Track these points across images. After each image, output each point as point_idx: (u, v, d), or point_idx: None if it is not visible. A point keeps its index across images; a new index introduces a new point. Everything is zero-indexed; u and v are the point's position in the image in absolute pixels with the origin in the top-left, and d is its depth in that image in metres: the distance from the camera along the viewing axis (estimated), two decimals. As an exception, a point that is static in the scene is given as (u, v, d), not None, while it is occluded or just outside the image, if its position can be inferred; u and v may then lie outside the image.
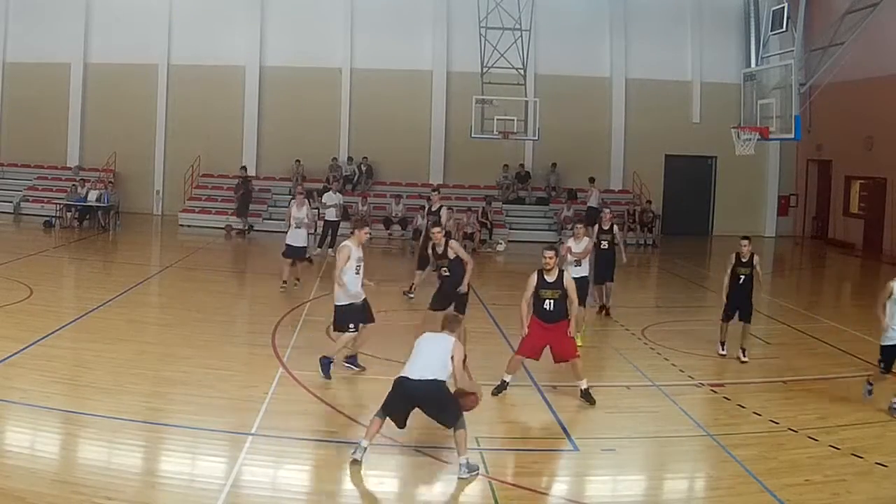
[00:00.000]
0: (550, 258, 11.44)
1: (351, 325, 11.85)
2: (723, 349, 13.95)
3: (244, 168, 30.63)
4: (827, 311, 18.49)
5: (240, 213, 29.69)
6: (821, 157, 32.25)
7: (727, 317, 13.97)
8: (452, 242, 13.22)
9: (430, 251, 13.56)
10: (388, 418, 8.96)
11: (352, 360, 12.20)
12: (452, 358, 9.01)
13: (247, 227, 29.52)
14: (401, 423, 9.01)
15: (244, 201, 29.74)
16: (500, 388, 11.48)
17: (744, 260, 13.85)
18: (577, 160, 32.18)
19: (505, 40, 28.05)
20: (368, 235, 12.31)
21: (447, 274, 13.21)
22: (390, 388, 8.98)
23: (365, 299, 12.15)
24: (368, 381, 11.79)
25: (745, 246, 13.82)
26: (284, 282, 18.21)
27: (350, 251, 11.85)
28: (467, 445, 8.77)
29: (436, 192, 19.26)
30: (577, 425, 10.38)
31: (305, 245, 18.83)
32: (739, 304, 13.83)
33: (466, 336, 12.27)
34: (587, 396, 11.21)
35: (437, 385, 8.84)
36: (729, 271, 13.87)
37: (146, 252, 26.19)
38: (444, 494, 8.73)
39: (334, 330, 12.14)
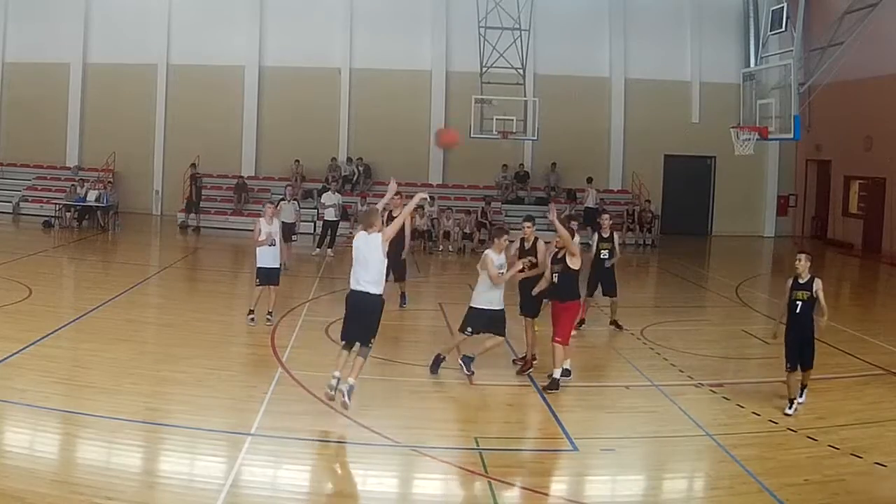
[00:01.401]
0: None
1: (469, 329, 11.96)
2: (790, 408, 10.91)
3: (194, 165, 30.68)
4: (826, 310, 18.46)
5: (188, 208, 29.86)
6: (820, 157, 32.26)
7: (791, 365, 10.98)
8: (541, 244, 12.28)
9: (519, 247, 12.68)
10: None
11: (467, 360, 12.05)
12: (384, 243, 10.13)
13: (194, 224, 29.70)
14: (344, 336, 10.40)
15: (196, 196, 30.05)
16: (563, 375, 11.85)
17: (801, 281, 10.95)
18: (576, 160, 32.18)
19: (504, 40, 28.07)
20: (507, 242, 12.22)
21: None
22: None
23: (502, 311, 12.07)
24: (368, 382, 11.76)
25: (799, 262, 10.99)
26: (251, 311, 15.11)
27: (492, 259, 11.90)
28: (359, 374, 10.14)
29: (397, 196, 15.81)
30: (577, 425, 10.37)
31: (279, 266, 15.46)
32: (800, 343, 10.96)
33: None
34: (552, 385, 11.56)
35: (375, 300, 10.20)
36: (787, 299, 11.09)
37: (145, 252, 26.18)
38: (443, 494, 8.74)
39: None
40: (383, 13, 32.48)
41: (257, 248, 15.10)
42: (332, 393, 10.10)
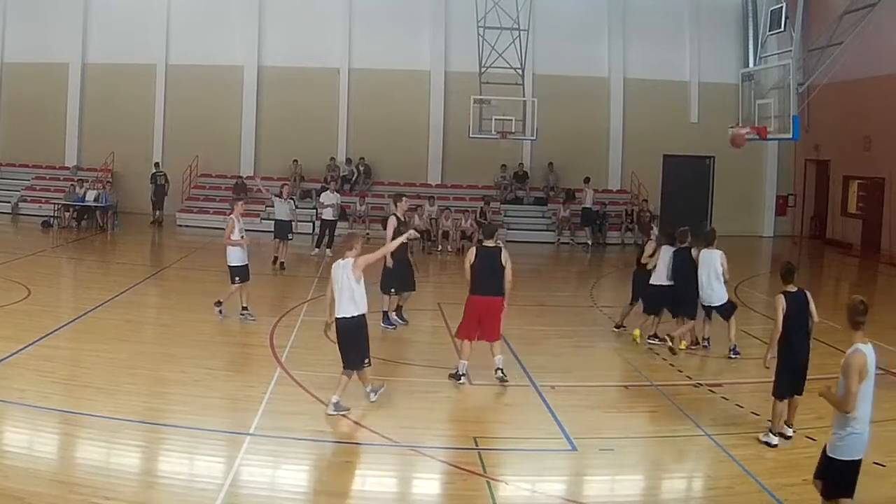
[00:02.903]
0: None
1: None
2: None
3: (157, 164, 31.18)
4: (824, 311, 18.31)
5: (154, 205, 30.57)
6: (819, 157, 32.26)
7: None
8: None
9: None
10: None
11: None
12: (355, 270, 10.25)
13: (157, 219, 30.26)
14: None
15: (157, 194, 30.62)
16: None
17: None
18: (575, 160, 32.17)
19: (503, 40, 28.05)
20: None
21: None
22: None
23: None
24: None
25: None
26: (245, 308, 15.29)
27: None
28: (370, 381, 10.65)
29: (404, 198, 15.67)
30: (575, 425, 10.36)
31: (248, 263, 15.55)
32: None
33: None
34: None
35: (354, 321, 10.29)
36: None
37: (144, 252, 26.16)
38: (442, 494, 8.74)
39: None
40: (382, 13, 32.49)
41: (230, 247, 15.17)
42: (332, 413, 10.26)
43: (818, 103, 26.33)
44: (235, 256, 15.24)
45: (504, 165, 32.35)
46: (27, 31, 32.48)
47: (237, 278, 15.19)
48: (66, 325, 14.24)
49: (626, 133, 33.02)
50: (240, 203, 15.94)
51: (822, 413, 10.83)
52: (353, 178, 31.76)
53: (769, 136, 23.18)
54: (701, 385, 12.26)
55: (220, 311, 15.17)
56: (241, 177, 31.53)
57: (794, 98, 21.80)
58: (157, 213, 30.37)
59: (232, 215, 15.47)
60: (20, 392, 10.34)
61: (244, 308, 15.22)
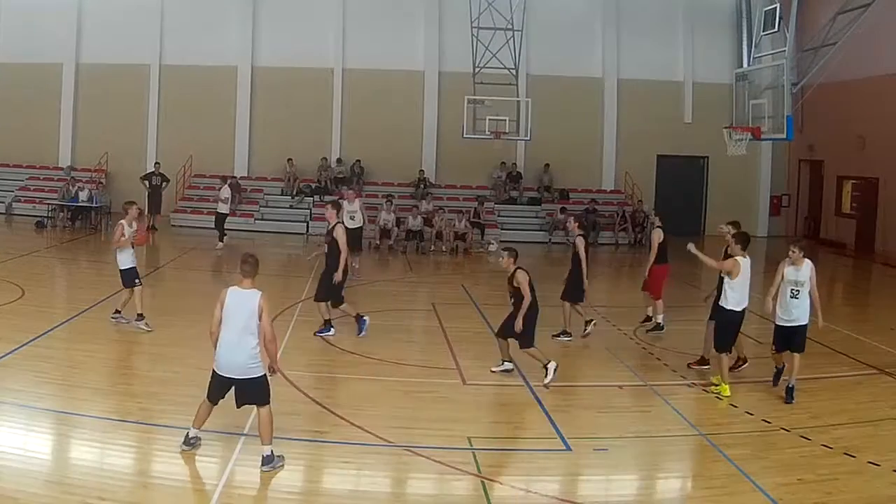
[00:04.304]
0: None
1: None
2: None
3: (157, 164, 30.73)
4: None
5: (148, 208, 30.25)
6: (813, 157, 32.34)
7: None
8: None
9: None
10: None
11: None
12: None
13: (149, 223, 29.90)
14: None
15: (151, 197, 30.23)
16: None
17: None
18: (569, 160, 32.23)
19: (497, 40, 28.08)
20: None
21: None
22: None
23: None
24: (361, 382, 11.80)
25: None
26: (117, 311, 14.73)
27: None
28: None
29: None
30: (570, 425, 10.37)
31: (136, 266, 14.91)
32: None
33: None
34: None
35: None
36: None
37: (138, 252, 25.77)
38: (436, 494, 8.74)
39: None
40: (376, 13, 32.51)
41: (119, 251, 14.54)
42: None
43: (812, 103, 26.40)
44: (125, 260, 14.57)
45: (503, 163, 32.33)
46: (20, 30, 32.32)
47: (136, 280, 14.59)
48: (60, 325, 14.20)
49: (620, 133, 33.07)
50: (134, 206, 15.08)
51: (818, 412, 10.92)
52: (346, 179, 31.75)
53: (763, 137, 23.25)
54: (695, 385, 12.28)
55: (147, 324, 14.44)
56: (235, 177, 31.44)
57: (788, 98, 21.88)
58: (151, 217, 29.59)
59: (123, 220, 14.71)
60: (14, 392, 10.31)
61: (118, 310, 14.62)
